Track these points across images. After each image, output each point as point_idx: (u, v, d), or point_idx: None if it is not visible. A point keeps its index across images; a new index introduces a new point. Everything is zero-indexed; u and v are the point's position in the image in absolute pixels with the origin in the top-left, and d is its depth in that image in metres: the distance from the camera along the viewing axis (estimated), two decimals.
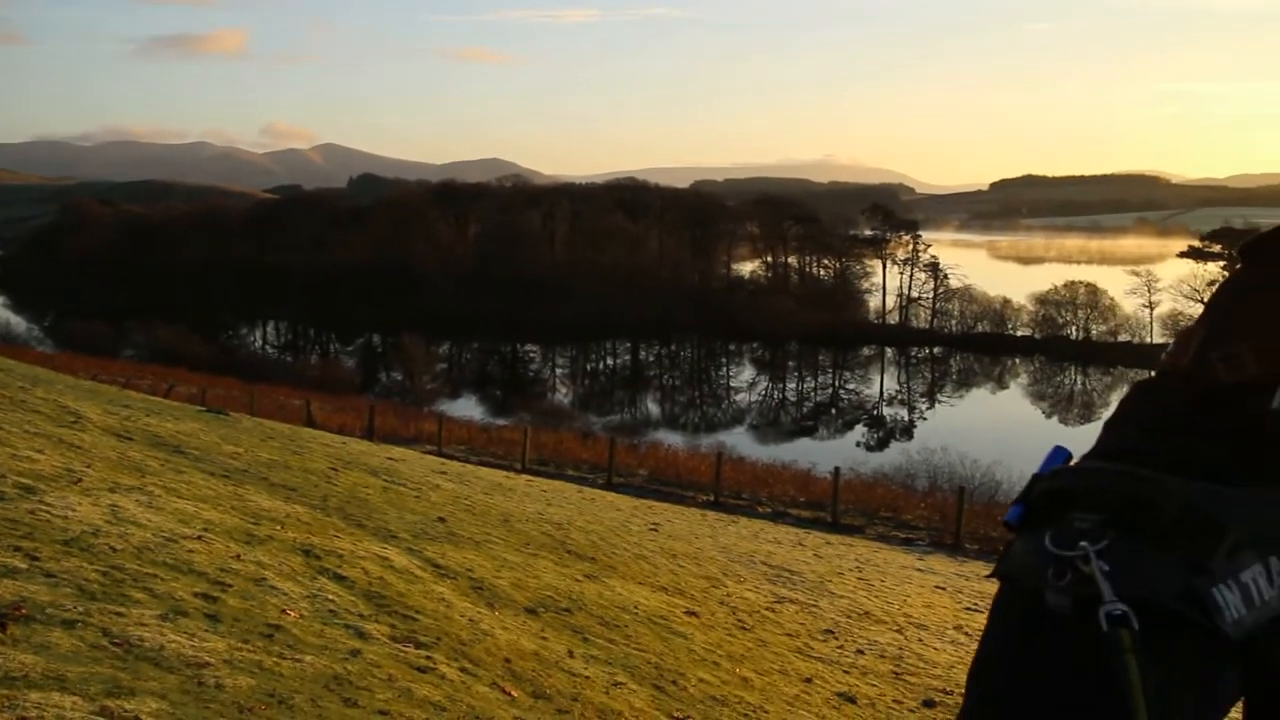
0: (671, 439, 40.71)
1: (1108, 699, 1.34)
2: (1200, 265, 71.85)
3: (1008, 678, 1.53)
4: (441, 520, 7.01)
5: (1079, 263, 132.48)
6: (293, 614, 3.60)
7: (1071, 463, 1.69)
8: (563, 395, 60.95)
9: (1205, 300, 1.74)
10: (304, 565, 4.43)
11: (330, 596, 4.01)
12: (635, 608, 5.72)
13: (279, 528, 5.08)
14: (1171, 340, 1.72)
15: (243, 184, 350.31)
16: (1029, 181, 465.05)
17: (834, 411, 58.13)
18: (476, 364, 70.81)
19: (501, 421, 39.76)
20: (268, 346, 79.41)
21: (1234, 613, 1.38)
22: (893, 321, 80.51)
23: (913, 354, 74.55)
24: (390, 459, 11.89)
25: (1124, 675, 1.32)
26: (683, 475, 23.25)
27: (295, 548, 4.70)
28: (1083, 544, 1.40)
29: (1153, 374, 1.72)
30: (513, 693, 3.54)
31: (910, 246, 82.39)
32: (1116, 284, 72.96)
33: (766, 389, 64.28)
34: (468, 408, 49.99)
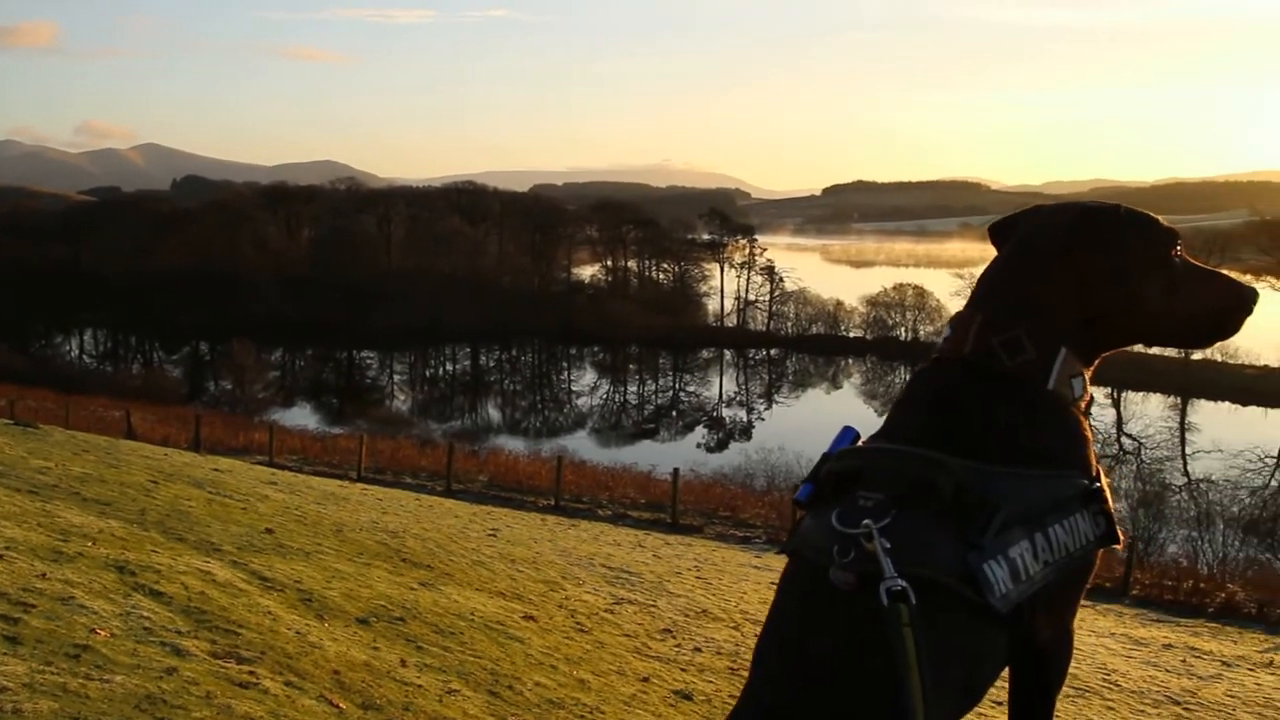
0: (512, 444, 40.48)
1: (885, 670, 1.44)
2: None
3: (791, 651, 1.57)
4: (269, 531, 6.78)
5: (907, 266, 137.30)
6: (103, 633, 3.42)
7: (859, 444, 1.77)
8: (401, 402, 59.90)
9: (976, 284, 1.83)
10: (117, 582, 4.21)
11: (145, 614, 3.82)
12: (472, 614, 5.65)
13: (90, 544, 4.82)
14: (947, 326, 1.78)
15: (55, 185, 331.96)
16: (860, 187, 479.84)
17: (674, 414, 58.80)
18: (311, 371, 68.93)
19: (337, 430, 38.80)
20: (85, 356, 75.46)
21: (1002, 587, 1.51)
22: (731, 324, 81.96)
23: (751, 356, 75.97)
24: (216, 470, 11.44)
25: (900, 648, 1.43)
26: (523, 480, 23.12)
27: (108, 564, 4.47)
28: (866, 522, 1.53)
29: (934, 358, 1.81)
30: (341, 705, 3.44)
31: (747, 250, 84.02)
32: (942, 286, 76.00)
33: (607, 393, 64.56)
34: (302, 416, 48.64)
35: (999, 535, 1.53)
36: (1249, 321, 1.87)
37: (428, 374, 71.22)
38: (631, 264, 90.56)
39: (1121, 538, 1.67)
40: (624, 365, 72.76)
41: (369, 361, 72.86)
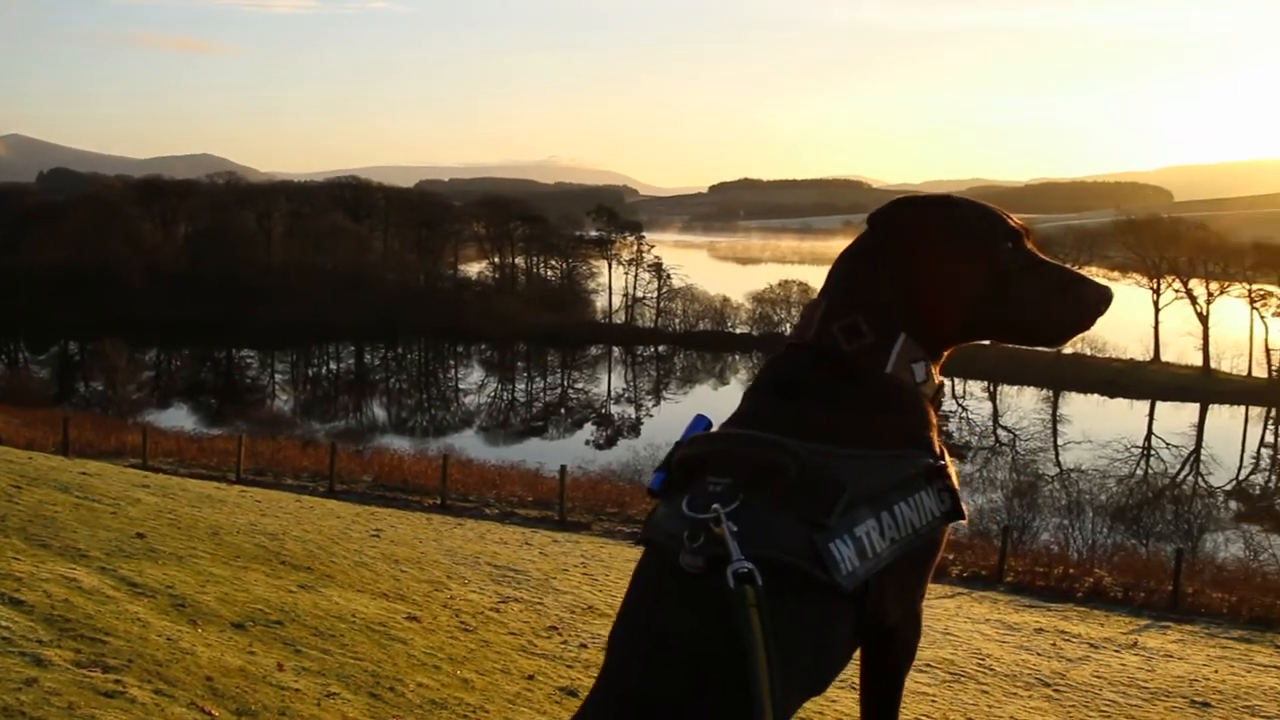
0: (398, 443, 39.91)
1: (733, 652, 1.46)
2: None
3: (642, 637, 1.58)
4: (140, 536, 6.56)
5: (792, 262, 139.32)
6: None
7: (711, 431, 1.81)
8: (283, 402, 58.52)
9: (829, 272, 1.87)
10: None
11: (4, 624, 3.66)
12: (353, 616, 5.55)
13: None
14: (798, 314, 1.84)
15: None
16: (746, 185, 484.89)
17: (563, 411, 58.70)
18: (188, 371, 66.87)
19: (215, 431, 37.71)
20: None
21: (848, 565, 1.53)
22: (619, 321, 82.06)
23: (639, 353, 76.27)
24: (84, 474, 11.02)
25: (747, 629, 1.45)
26: (409, 480, 22.82)
27: None
28: (715, 506, 1.55)
29: (785, 346, 1.85)
30: (214, 712, 3.35)
31: (635, 247, 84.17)
32: None
33: (495, 390, 64.14)
34: (178, 418, 47.19)
35: (845, 515, 1.56)
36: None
37: (310, 373, 69.75)
38: (519, 261, 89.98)
39: (965, 513, 1.70)
40: (512, 363, 72.36)
41: (249, 360, 71.01)
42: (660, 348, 76.64)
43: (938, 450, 1.72)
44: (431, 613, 6.29)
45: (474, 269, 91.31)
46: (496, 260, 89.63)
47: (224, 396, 56.68)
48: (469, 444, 42.18)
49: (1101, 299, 1.81)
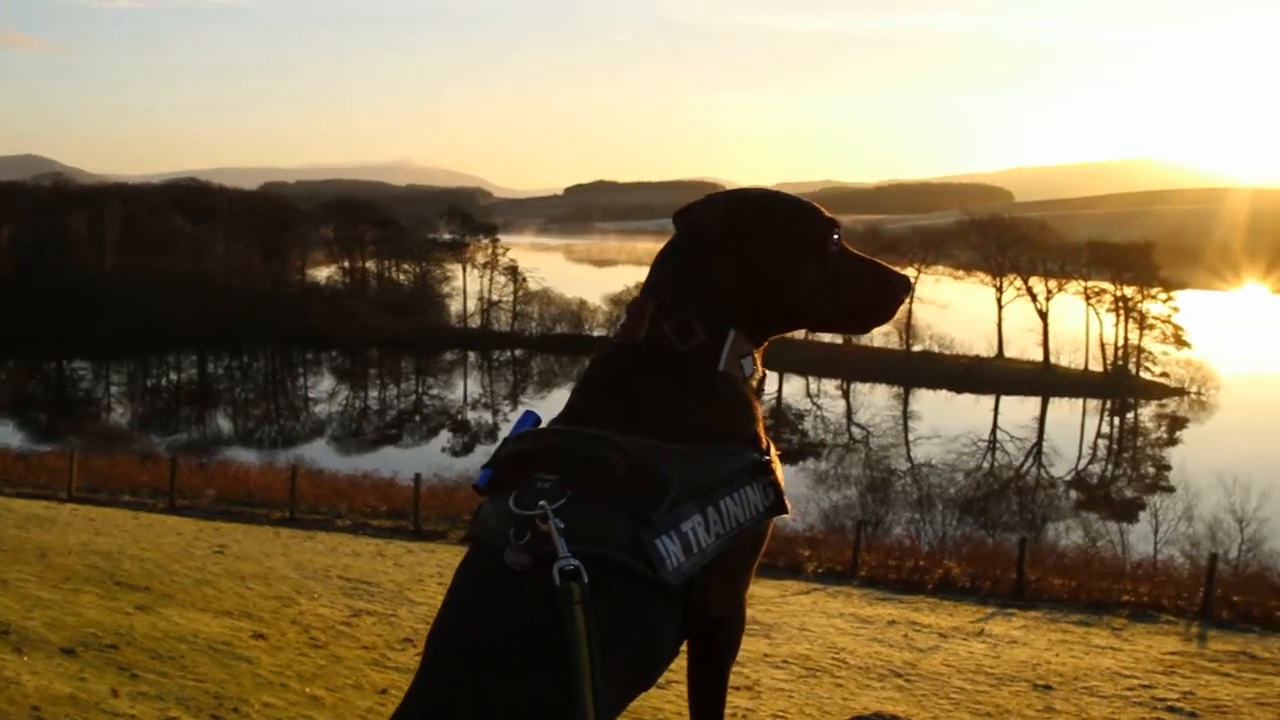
0: (244, 456, 38.68)
1: (556, 650, 1.45)
2: None
3: (464, 636, 1.56)
4: None
5: (649, 264, 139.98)
6: None
7: (540, 427, 1.78)
8: (119, 415, 56.02)
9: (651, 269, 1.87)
10: None
11: None
12: (194, 636, 5.32)
13: None
14: (624, 313, 1.82)
15: None
16: (601, 187, 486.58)
17: (418, 418, 57.83)
18: (14, 385, 63.35)
19: (45, 447, 35.82)
20: None
21: (674, 561, 1.55)
22: (475, 325, 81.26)
23: (495, 357, 75.68)
24: None
25: (571, 627, 1.45)
26: (255, 493, 22.08)
27: None
28: (542, 503, 1.55)
29: (614, 344, 1.80)
30: None
31: (490, 250, 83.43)
32: None
33: (347, 398, 62.74)
34: (3, 434, 44.69)
35: (671, 510, 1.57)
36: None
37: (149, 384, 66.89)
38: (370, 265, 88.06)
39: (789, 507, 1.73)
40: (364, 369, 70.89)
41: (82, 372, 67.63)
42: (517, 351, 76.21)
43: (764, 445, 1.75)
44: (279, 629, 6.09)
45: (323, 273, 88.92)
46: (346, 264, 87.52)
47: (55, 411, 53.94)
48: (320, 454, 41.15)
49: (904, 288, 1.90)
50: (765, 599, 9.54)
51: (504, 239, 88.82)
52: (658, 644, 1.61)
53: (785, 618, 7.88)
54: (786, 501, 1.73)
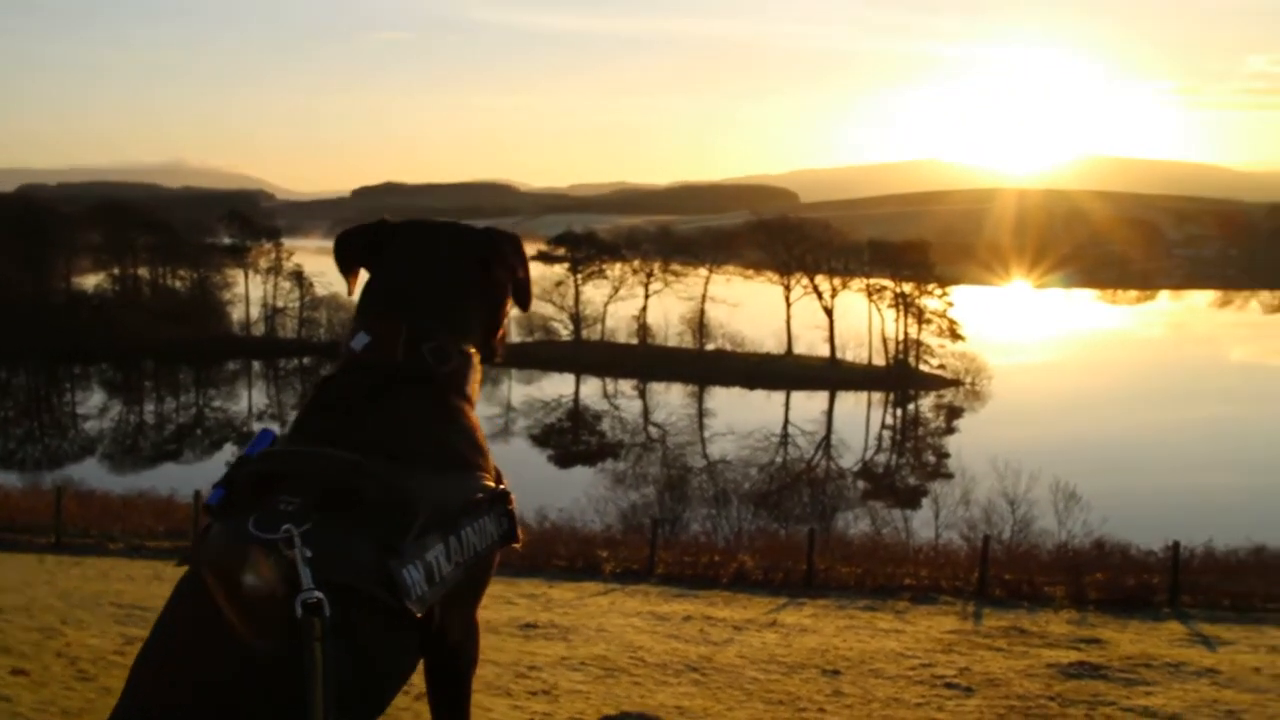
0: (4, 479, 35.99)
1: (289, 684, 1.40)
2: (548, 267, 78.69)
3: (179, 669, 1.48)
4: None
5: None
6: None
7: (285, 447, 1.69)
8: None
9: (406, 290, 1.84)
10: None
11: None
12: None
13: None
14: (363, 333, 1.79)
15: None
16: (390, 189, 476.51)
17: (199, 432, 55.28)
18: None
19: None
20: None
21: (418, 590, 1.54)
22: (259, 333, 78.25)
23: (282, 365, 73.15)
24: None
25: (310, 661, 1.40)
26: (16, 518, 20.52)
27: None
28: (287, 527, 1.49)
29: (359, 363, 1.77)
30: None
31: (273, 255, 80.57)
32: None
33: (120, 414, 59.26)
34: None
35: (417, 539, 1.55)
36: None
37: None
38: (143, 272, 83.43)
39: (521, 537, 1.77)
40: (138, 383, 67.14)
41: None
42: (305, 359, 73.78)
43: (498, 474, 1.79)
44: (43, 663, 5.68)
45: (91, 282, 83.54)
46: (117, 272, 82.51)
47: None
48: (90, 474, 38.66)
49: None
50: (563, 601, 9.51)
51: (289, 243, 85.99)
52: (395, 671, 1.59)
53: (583, 619, 7.86)
54: (519, 531, 1.75)
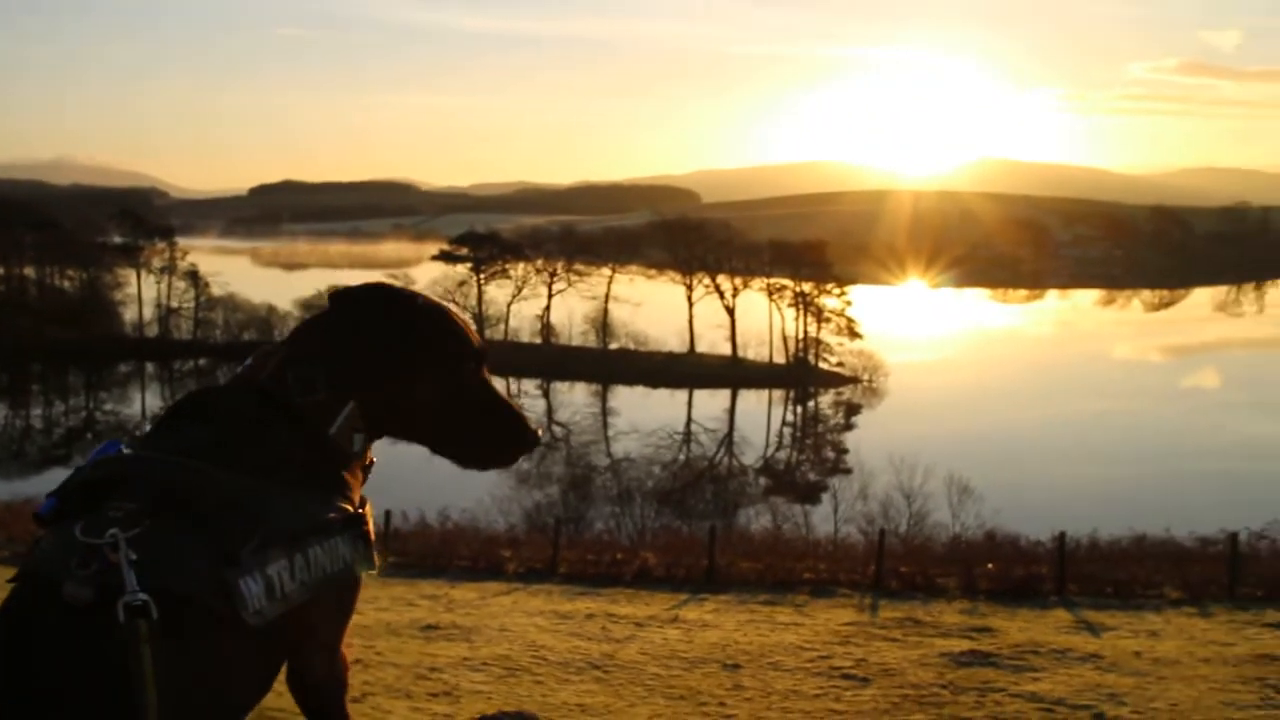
0: None
1: (119, 692, 1.36)
2: (450, 267, 77.99)
3: (8, 682, 1.41)
4: None
5: (342, 267, 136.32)
6: None
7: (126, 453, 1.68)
8: None
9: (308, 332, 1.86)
10: None
11: None
12: None
13: None
14: (252, 357, 1.83)
15: None
16: (288, 187, 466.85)
17: (89, 436, 53.51)
18: None
19: None
20: None
21: (257, 603, 1.50)
22: (152, 334, 76.16)
23: (177, 367, 71.37)
24: None
25: (137, 668, 1.36)
26: None
27: None
28: (113, 532, 1.45)
29: (232, 381, 1.79)
30: None
31: (167, 254, 78.48)
32: None
33: (5, 417, 57.19)
34: None
35: (258, 552, 1.52)
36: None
37: None
38: (30, 271, 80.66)
39: (377, 562, 1.74)
40: (25, 386, 64.81)
41: None
42: (201, 360, 72.01)
43: (358, 501, 1.76)
44: None
45: None
46: (2, 271, 79.70)
47: None
48: None
49: (531, 443, 1.95)
50: (466, 602, 9.47)
51: (183, 242, 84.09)
52: (235, 689, 1.55)
53: (485, 620, 7.84)
54: (375, 556, 1.73)
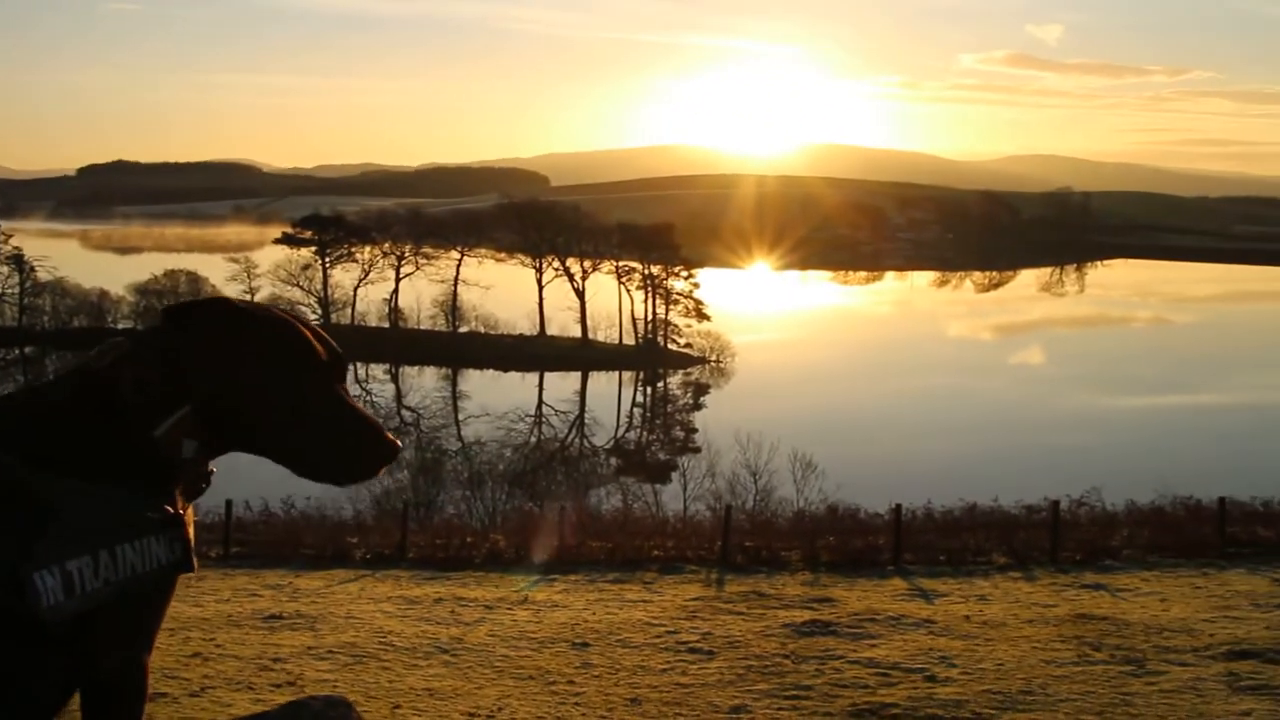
0: None
1: None
2: (294, 251, 75.84)
3: None
4: None
5: (180, 251, 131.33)
6: None
7: None
8: None
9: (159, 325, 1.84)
10: None
11: None
12: None
13: None
14: (97, 349, 1.79)
15: None
16: (121, 168, 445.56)
17: None
18: None
19: None
20: None
21: (53, 598, 1.44)
22: None
23: (1, 355, 67.74)
24: None
25: None
26: None
27: None
28: None
29: (69, 370, 1.75)
30: None
31: None
32: (218, 271, 74.38)
33: None
34: None
35: (57, 546, 1.47)
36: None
37: None
38: None
39: (195, 565, 1.71)
40: None
41: None
42: (28, 349, 68.44)
43: (178, 504, 1.72)
44: None
45: None
46: None
47: None
48: None
49: (390, 455, 1.94)
50: (310, 590, 9.30)
51: (7, 225, 79.47)
52: (32, 691, 1.49)
53: (331, 608, 7.73)
54: (194, 560, 1.69)
